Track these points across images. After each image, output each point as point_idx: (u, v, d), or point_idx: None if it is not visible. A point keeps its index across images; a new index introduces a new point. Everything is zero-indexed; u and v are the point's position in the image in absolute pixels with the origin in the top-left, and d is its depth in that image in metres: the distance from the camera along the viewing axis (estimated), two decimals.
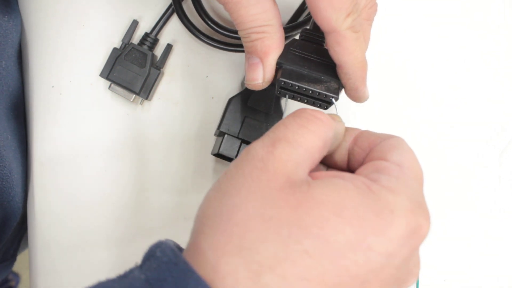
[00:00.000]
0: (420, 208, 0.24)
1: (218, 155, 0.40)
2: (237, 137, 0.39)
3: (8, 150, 0.39)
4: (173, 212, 0.43)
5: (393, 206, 0.23)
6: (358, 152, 0.28)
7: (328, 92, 0.31)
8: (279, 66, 0.31)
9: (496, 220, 0.45)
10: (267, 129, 0.38)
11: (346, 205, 0.22)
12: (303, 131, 0.25)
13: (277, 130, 0.25)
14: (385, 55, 0.45)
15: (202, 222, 0.24)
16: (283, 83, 0.31)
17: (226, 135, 0.39)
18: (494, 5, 0.45)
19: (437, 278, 0.45)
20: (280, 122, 0.26)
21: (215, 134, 0.42)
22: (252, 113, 0.39)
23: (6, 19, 0.39)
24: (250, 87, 0.32)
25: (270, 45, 0.30)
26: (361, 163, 0.27)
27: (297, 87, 0.31)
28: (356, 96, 0.32)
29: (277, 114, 0.40)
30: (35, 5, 0.43)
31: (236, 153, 0.39)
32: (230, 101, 0.40)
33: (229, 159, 0.40)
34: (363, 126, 0.31)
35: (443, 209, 0.44)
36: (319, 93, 0.31)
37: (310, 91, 0.31)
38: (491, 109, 0.45)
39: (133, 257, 0.42)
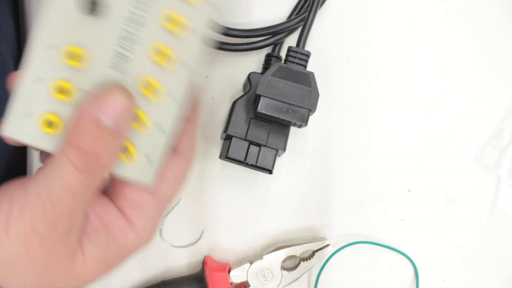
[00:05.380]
0: None
1: (226, 158, 0.40)
2: (245, 139, 0.39)
3: None
4: (180, 214, 0.44)
5: None
6: None
7: (298, 120, 0.37)
8: (258, 96, 0.37)
9: (497, 220, 0.44)
10: (272, 129, 0.39)
11: None
12: None
13: None
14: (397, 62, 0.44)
15: None
16: (260, 113, 0.37)
17: (233, 138, 0.39)
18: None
19: (437, 278, 0.45)
20: None
21: (221, 138, 0.42)
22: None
23: None
24: None
25: None
26: None
27: (273, 117, 0.37)
28: None
29: None
30: (35, 5, 0.43)
31: (244, 155, 0.39)
32: (234, 103, 0.40)
33: (238, 162, 0.40)
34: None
35: (443, 209, 0.44)
36: (290, 121, 0.37)
37: (284, 120, 0.37)
38: (490, 109, 0.44)
39: None
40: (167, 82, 0.25)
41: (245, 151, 0.39)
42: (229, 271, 0.42)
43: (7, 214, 0.23)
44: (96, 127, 0.23)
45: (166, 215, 0.43)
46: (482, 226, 0.45)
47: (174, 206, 0.43)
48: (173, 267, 0.44)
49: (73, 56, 0.24)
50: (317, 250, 0.42)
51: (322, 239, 0.43)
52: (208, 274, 0.41)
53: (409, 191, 0.44)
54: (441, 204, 0.44)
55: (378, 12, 0.44)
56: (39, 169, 0.25)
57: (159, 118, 0.25)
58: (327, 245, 0.42)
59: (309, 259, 0.42)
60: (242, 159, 0.39)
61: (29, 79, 0.24)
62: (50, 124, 0.24)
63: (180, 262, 0.44)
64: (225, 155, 0.39)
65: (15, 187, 0.25)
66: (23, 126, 0.24)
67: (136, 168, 0.26)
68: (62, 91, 0.24)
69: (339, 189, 0.44)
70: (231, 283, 0.42)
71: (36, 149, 0.26)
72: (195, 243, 0.44)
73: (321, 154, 0.44)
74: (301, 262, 0.42)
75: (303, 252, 0.42)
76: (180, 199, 0.43)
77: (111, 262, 0.27)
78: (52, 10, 0.23)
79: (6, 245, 0.23)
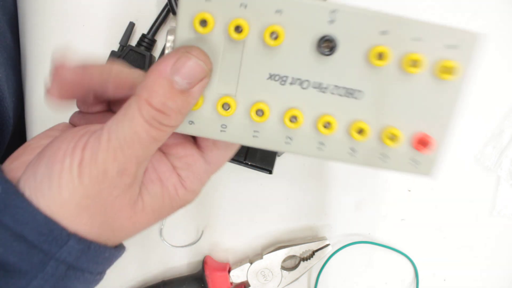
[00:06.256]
0: None
1: None
2: None
3: None
4: (180, 214, 0.43)
5: None
6: None
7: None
8: None
9: (496, 220, 0.44)
10: None
11: None
12: None
13: None
14: None
15: None
16: None
17: None
18: None
19: (437, 278, 0.45)
20: None
21: None
22: None
23: None
24: None
25: None
26: None
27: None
28: None
29: None
30: (35, 5, 0.43)
31: (244, 155, 0.39)
32: None
33: (238, 162, 0.40)
34: None
35: (442, 210, 0.44)
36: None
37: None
38: (490, 109, 0.44)
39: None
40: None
41: (245, 151, 0.39)
42: (229, 271, 0.42)
43: (80, 158, 0.25)
44: (169, 88, 0.24)
45: None
46: (482, 226, 0.45)
47: None
48: (173, 267, 0.44)
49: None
50: (317, 250, 0.42)
51: (322, 239, 0.43)
52: (208, 274, 0.41)
53: (409, 191, 0.44)
54: (441, 204, 0.44)
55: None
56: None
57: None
58: (327, 245, 0.42)
59: (309, 259, 0.42)
60: (242, 159, 0.39)
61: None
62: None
63: (180, 262, 0.44)
64: None
65: (84, 133, 0.26)
66: None
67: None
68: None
69: (339, 189, 0.44)
70: (231, 283, 0.42)
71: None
72: (195, 243, 0.44)
73: None
74: (301, 262, 0.42)
75: (303, 252, 0.42)
76: None
77: (163, 212, 0.29)
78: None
79: (79, 188, 0.25)
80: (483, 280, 0.45)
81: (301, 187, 0.44)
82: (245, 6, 0.24)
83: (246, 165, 0.40)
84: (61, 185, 0.25)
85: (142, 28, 0.43)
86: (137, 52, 0.41)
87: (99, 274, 0.28)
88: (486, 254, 0.45)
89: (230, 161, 0.40)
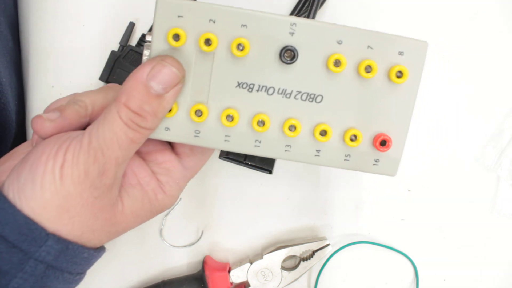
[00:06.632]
0: None
1: (226, 158, 0.40)
2: None
3: None
4: (180, 214, 0.43)
5: None
6: None
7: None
8: None
9: (496, 221, 0.44)
10: None
11: None
12: None
13: None
14: None
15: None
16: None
17: None
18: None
19: (437, 278, 0.45)
20: None
21: None
22: None
23: None
24: None
25: None
26: None
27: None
28: None
29: None
30: (35, 5, 0.43)
31: (244, 155, 0.39)
32: None
33: (238, 162, 0.40)
34: None
35: (442, 210, 0.44)
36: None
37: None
38: (490, 110, 0.44)
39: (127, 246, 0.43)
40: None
41: None
42: (229, 271, 0.42)
43: (62, 160, 0.26)
44: (145, 92, 0.25)
45: (166, 215, 0.43)
46: (482, 226, 0.45)
47: (174, 206, 0.43)
48: (173, 267, 0.44)
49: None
50: (317, 250, 0.42)
51: (322, 239, 0.43)
52: (208, 274, 0.41)
53: (409, 191, 0.44)
54: (441, 204, 0.44)
55: (381, 12, 0.44)
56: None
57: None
58: (327, 245, 0.42)
59: (309, 259, 0.42)
60: (242, 159, 0.39)
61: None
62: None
63: (180, 262, 0.44)
64: (225, 155, 0.39)
65: (66, 138, 0.27)
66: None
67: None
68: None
69: (339, 189, 0.44)
70: (231, 283, 0.42)
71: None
72: (195, 243, 0.44)
73: None
74: (301, 262, 0.42)
75: (303, 252, 0.42)
76: (180, 199, 0.43)
77: (142, 216, 0.30)
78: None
79: (60, 189, 0.26)
80: (483, 280, 0.45)
81: (301, 187, 0.44)
82: (214, 21, 0.26)
83: (246, 165, 0.40)
84: (44, 187, 0.25)
85: (142, 28, 0.43)
86: (137, 52, 0.41)
87: (79, 275, 0.29)
88: (486, 254, 0.45)
89: (230, 161, 0.40)
